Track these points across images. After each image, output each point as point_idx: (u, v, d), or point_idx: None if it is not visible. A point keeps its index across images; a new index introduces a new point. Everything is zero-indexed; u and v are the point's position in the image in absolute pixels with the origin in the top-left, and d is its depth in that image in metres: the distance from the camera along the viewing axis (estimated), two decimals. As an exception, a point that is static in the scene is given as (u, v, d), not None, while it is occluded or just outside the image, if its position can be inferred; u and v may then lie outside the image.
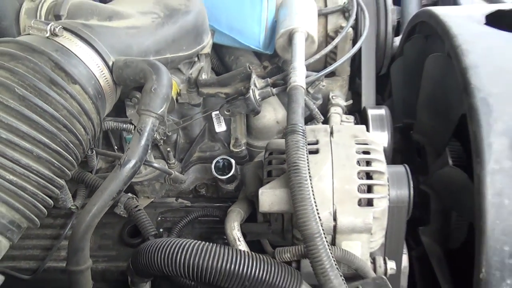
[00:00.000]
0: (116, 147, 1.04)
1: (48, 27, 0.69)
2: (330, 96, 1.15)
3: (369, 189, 0.78)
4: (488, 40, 0.92)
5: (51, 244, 0.96)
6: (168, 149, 0.99)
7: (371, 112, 1.05)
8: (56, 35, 0.70)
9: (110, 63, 0.75)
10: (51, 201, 0.68)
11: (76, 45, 0.71)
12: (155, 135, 0.98)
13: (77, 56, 0.70)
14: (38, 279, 0.92)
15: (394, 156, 1.26)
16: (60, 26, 0.70)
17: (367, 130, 1.04)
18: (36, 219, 0.67)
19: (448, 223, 1.05)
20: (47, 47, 0.67)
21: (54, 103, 0.65)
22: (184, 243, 0.68)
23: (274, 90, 0.94)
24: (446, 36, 0.98)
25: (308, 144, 0.80)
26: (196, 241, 0.68)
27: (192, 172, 1.06)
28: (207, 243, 0.68)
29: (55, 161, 0.65)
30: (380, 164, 0.79)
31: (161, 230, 0.96)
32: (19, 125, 0.61)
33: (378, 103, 1.36)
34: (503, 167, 0.75)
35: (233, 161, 0.94)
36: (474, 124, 0.81)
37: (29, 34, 0.71)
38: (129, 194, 0.91)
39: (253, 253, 0.69)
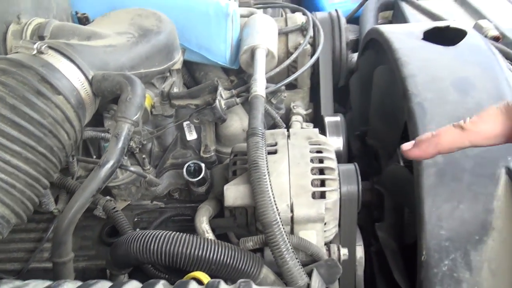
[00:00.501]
0: (94, 156, 1.12)
1: (35, 46, 0.79)
2: (291, 106, 1.27)
3: (322, 183, 0.88)
4: (424, 52, 1.05)
5: (34, 247, 1.03)
6: (144, 156, 1.08)
7: (328, 120, 1.17)
8: (42, 53, 0.79)
9: (90, 77, 0.84)
10: (37, 199, 0.77)
11: (60, 61, 0.80)
12: (131, 144, 1.07)
13: (60, 71, 0.79)
14: (23, 279, 0.98)
15: (356, 161, 1.38)
16: (46, 45, 0.80)
17: (325, 135, 1.16)
18: (24, 215, 0.75)
19: (402, 219, 1.17)
20: (34, 63, 0.77)
21: (41, 111, 0.74)
22: (157, 233, 0.76)
23: (238, 100, 1.05)
24: (389, 50, 1.11)
25: (268, 146, 0.91)
26: (168, 231, 0.77)
27: (166, 177, 1.15)
28: (178, 233, 0.77)
29: (41, 163, 0.74)
30: (331, 162, 0.90)
31: (137, 230, 1.04)
32: (10, 130, 0.70)
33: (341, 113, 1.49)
34: (437, 161, 0.86)
35: (203, 165, 1.03)
36: (412, 125, 0.93)
37: (18, 52, 0.80)
38: (107, 197, 1.00)
39: (218, 240, 0.78)
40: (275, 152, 0.90)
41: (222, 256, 0.74)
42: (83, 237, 1.04)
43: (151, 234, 0.77)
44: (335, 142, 1.19)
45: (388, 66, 1.19)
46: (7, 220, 0.72)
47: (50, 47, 0.81)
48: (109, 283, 0.52)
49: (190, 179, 1.03)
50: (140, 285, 0.51)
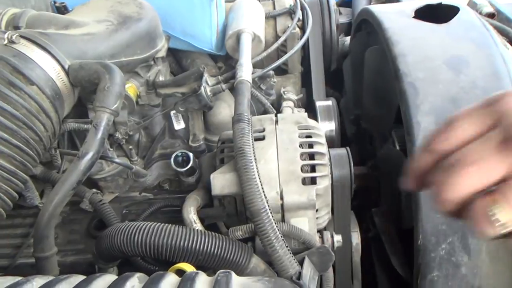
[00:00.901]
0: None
1: (6, 35, 0.75)
2: (282, 92, 1.23)
3: (312, 169, 0.85)
4: (415, 31, 1.01)
5: (21, 242, 1.00)
6: (130, 147, 1.05)
7: (319, 104, 1.14)
8: (14, 42, 0.76)
9: (66, 66, 0.81)
10: (15, 194, 0.74)
11: (33, 50, 0.77)
12: (117, 135, 1.04)
13: (34, 61, 0.76)
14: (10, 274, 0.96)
15: (351, 146, 1.35)
16: (17, 34, 0.77)
17: (316, 120, 1.13)
18: (2, 210, 0.72)
19: (399, 204, 1.14)
20: (6, 53, 0.74)
21: (14, 102, 0.71)
22: (142, 224, 0.74)
23: (224, 86, 1.01)
24: (379, 30, 1.08)
25: (255, 132, 0.88)
26: (153, 222, 0.75)
27: (155, 168, 1.12)
28: (163, 224, 0.74)
29: (16, 156, 0.71)
30: (320, 146, 0.87)
31: (126, 222, 1.02)
32: (-19, 123, 0.67)
33: (337, 99, 1.45)
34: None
35: (191, 154, 1.00)
36: (404, 106, 0.90)
37: (-12, 43, 0.77)
38: (94, 190, 0.97)
39: (206, 231, 0.76)
40: (263, 138, 0.87)
41: (208, 247, 0.72)
42: (71, 231, 1.01)
43: (135, 225, 0.74)
44: (327, 127, 1.16)
45: (379, 46, 1.15)
46: (-16, 216, 0.70)
47: (22, 37, 0.78)
48: (81, 277, 0.49)
49: (179, 169, 1.00)
50: (114, 278, 0.49)
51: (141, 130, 1.12)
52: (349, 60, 1.46)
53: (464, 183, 0.38)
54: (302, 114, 0.93)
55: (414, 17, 1.08)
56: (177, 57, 1.29)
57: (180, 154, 1.02)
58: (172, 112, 1.11)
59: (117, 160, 0.92)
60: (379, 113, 1.20)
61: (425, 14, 1.11)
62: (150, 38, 1.02)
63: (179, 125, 1.12)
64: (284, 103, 1.20)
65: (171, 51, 1.25)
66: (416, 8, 1.12)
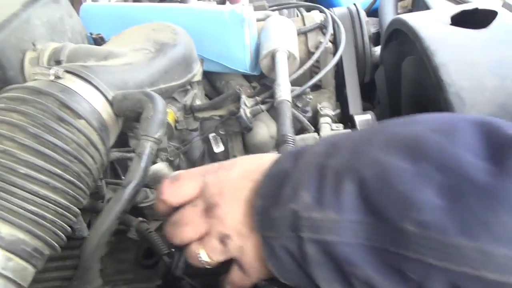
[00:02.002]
0: (123, 178, 1.10)
1: (52, 71, 0.77)
2: (318, 108, 1.22)
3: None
4: (454, 38, 0.99)
5: (70, 275, 1.01)
6: (172, 173, 1.05)
7: (358, 118, 1.12)
8: (59, 78, 0.77)
9: (110, 98, 0.82)
10: (69, 228, 0.74)
11: (78, 84, 0.78)
12: (158, 161, 1.04)
13: (80, 94, 0.77)
14: (60, 307, 0.97)
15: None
16: (63, 69, 0.78)
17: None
18: (57, 245, 0.73)
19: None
20: (52, 89, 0.75)
21: (64, 137, 0.72)
22: None
23: (263, 107, 1.01)
24: (416, 39, 1.06)
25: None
26: None
27: (196, 193, 1.12)
28: None
29: (69, 190, 0.72)
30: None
31: (172, 250, 1.01)
32: (35, 160, 0.68)
33: (369, 110, 1.43)
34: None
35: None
36: (450, 117, 0.88)
37: (35, 79, 0.78)
38: (140, 218, 0.97)
39: None
40: (307, 158, 0.85)
41: None
42: (119, 260, 1.01)
43: None
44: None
45: (416, 57, 1.13)
46: (41, 252, 0.70)
47: (67, 71, 0.79)
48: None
49: (221, 193, 0.99)
50: None
51: (181, 155, 1.12)
52: (382, 71, 1.45)
53: (183, 235, 0.60)
54: (344, 131, 0.91)
55: (451, 24, 1.06)
56: (211, 79, 1.29)
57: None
58: (211, 136, 1.11)
59: (161, 187, 0.91)
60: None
61: (461, 20, 1.09)
62: (187, 63, 1.03)
63: (218, 148, 1.11)
64: (322, 119, 1.18)
65: (205, 74, 1.26)
66: (451, 15, 1.10)
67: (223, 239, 0.56)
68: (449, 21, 1.08)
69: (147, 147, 0.76)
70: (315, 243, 0.44)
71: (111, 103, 0.82)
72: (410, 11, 1.84)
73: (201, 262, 0.59)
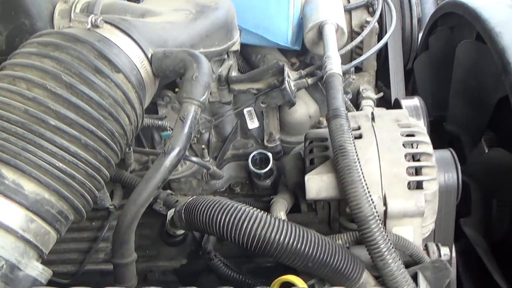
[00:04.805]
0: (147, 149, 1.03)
1: (89, 19, 0.69)
2: (361, 90, 1.14)
3: (417, 171, 0.75)
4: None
5: (88, 247, 0.94)
6: (203, 146, 0.97)
7: (405, 103, 1.04)
8: (97, 27, 0.70)
9: (149, 55, 0.74)
10: (97, 193, 0.67)
11: (117, 36, 0.71)
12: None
13: (118, 46, 0.70)
14: (77, 283, 0.90)
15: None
16: (101, 17, 0.70)
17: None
18: (83, 210, 0.65)
19: (490, 213, 1.02)
20: (90, 37, 0.67)
21: (100, 91, 0.64)
22: (250, 212, 0.62)
23: (310, 81, 0.93)
24: (477, 22, 0.98)
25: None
26: (263, 212, 0.63)
27: (226, 170, 1.04)
28: (273, 216, 0.63)
29: (102, 150, 0.64)
30: (427, 146, 0.77)
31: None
32: (66, 112, 0.60)
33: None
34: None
35: (269, 154, 0.92)
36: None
37: (70, 27, 0.71)
38: (168, 191, 0.90)
39: (321, 235, 0.65)
40: (360, 137, 0.77)
41: (323, 254, 0.61)
42: (141, 235, 0.94)
43: (244, 211, 0.62)
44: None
45: (473, 41, 1.05)
46: (66, 216, 0.63)
47: (106, 22, 0.71)
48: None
49: (257, 171, 0.92)
50: None
51: (212, 129, 1.04)
52: (425, 58, 1.36)
53: None
54: (401, 111, 0.83)
55: (516, 5, 0.98)
56: (245, 53, 1.21)
57: (257, 154, 0.94)
58: (246, 110, 1.03)
59: (194, 159, 0.84)
60: (469, 114, 1.09)
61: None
62: (228, 29, 0.95)
63: (253, 124, 1.03)
64: (364, 102, 1.10)
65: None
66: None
67: None
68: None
69: (191, 111, 0.69)
70: None
71: (150, 61, 0.75)
72: None
73: None
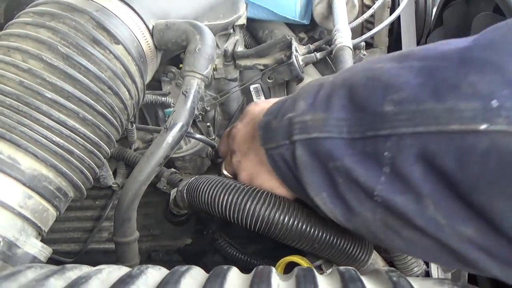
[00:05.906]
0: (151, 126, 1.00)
1: (87, -13, 0.66)
2: (371, 66, 1.10)
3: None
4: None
5: (92, 226, 0.92)
6: (208, 124, 0.95)
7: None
8: (95, -4, 0.66)
9: (151, 26, 0.71)
10: (97, 170, 0.65)
11: (116, 6, 0.67)
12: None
13: (118, 17, 0.66)
14: (80, 261, 0.88)
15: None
16: (99, -14, 0.67)
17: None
18: (83, 187, 0.63)
19: None
20: (88, 7, 0.64)
21: (98, 62, 0.61)
22: (253, 191, 0.58)
23: (318, 55, 0.89)
24: (497, -8, 0.93)
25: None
26: (265, 192, 0.59)
27: (231, 149, 1.01)
28: (280, 196, 0.60)
29: (101, 125, 0.62)
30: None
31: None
32: (63, 84, 0.58)
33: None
34: None
35: (276, 132, 0.88)
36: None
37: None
38: (172, 169, 0.87)
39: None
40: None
41: (329, 235, 0.58)
42: (145, 214, 0.92)
43: (247, 191, 0.58)
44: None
45: (490, 13, 1.00)
46: (64, 193, 0.60)
47: (104, -10, 0.68)
48: (201, 270, 0.39)
49: (263, 149, 0.88)
50: (242, 274, 0.38)
51: (217, 106, 1.01)
52: (438, 34, 1.31)
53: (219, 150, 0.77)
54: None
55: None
56: (252, 29, 1.17)
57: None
58: (253, 87, 1.00)
59: (199, 136, 0.81)
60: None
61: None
62: (233, 1, 0.91)
63: (259, 101, 1.00)
64: (374, 79, 1.06)
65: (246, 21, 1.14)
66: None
67: (231, 154, 0.66)
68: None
69: (194, 84, 0.66)
70: (304, 144, 0.47)
71: (151, 33, 0.71)
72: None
73: (223, 173, 0.70)
